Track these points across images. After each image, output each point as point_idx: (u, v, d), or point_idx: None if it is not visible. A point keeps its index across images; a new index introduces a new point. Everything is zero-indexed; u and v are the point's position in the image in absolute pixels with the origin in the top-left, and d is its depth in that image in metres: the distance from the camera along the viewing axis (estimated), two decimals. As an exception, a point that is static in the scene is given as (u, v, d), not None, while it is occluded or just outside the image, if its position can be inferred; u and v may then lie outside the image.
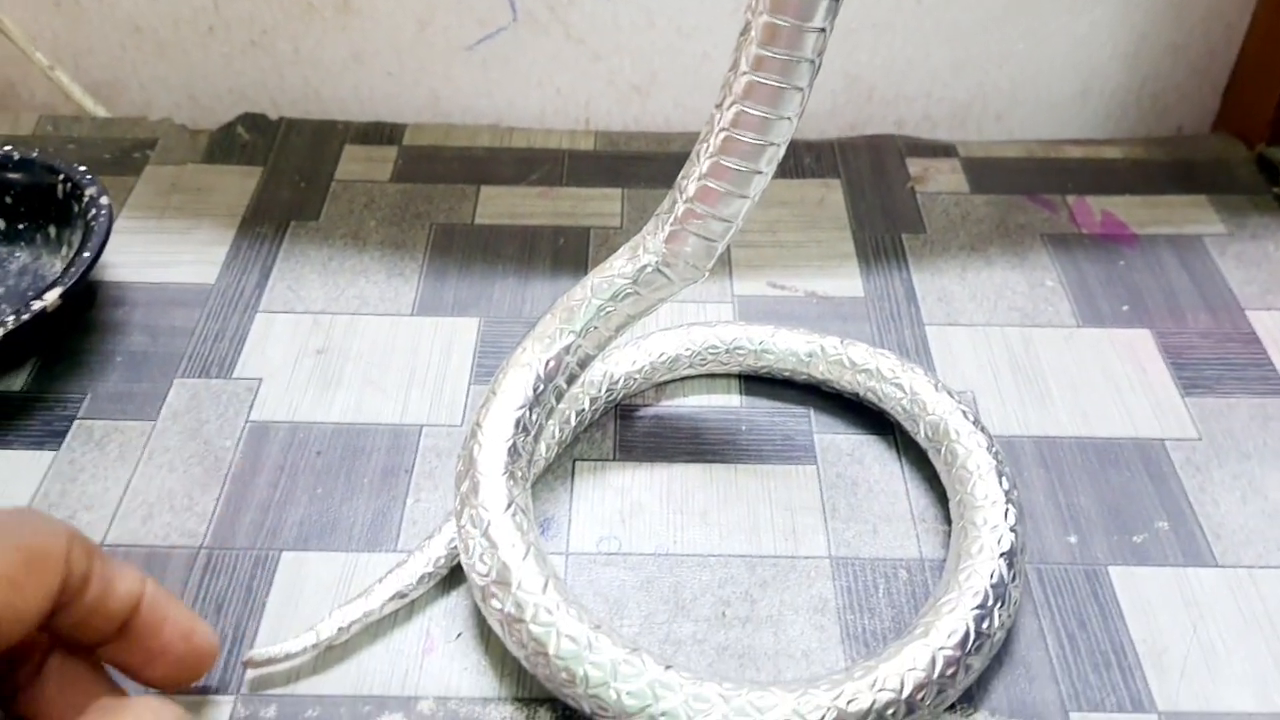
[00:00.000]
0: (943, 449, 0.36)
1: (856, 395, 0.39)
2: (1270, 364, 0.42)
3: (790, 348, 0.40)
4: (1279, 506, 0.37)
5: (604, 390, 0.39)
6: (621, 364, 0.39)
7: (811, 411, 0.41)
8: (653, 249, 0.33)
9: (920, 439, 0.37)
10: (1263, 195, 0.51)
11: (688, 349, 0.40)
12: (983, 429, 0.36)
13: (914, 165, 0.53)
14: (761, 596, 0.34)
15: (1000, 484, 0.34)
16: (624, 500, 0.37)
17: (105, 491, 0.37)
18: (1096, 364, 0.43)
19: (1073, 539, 0.36)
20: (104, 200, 0.43)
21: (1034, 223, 0.50)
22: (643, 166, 0.53)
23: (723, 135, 0.30)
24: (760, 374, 0.41)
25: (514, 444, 0.32)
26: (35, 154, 0.45)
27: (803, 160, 0.53)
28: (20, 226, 0.45)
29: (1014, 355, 0.43)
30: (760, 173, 0.31)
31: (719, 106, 0.30)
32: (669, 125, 0.57)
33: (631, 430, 0.40)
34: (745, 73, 0.29)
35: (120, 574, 0.28)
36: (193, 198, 0.50)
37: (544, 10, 0.53)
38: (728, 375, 0.42)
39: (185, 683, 0.30)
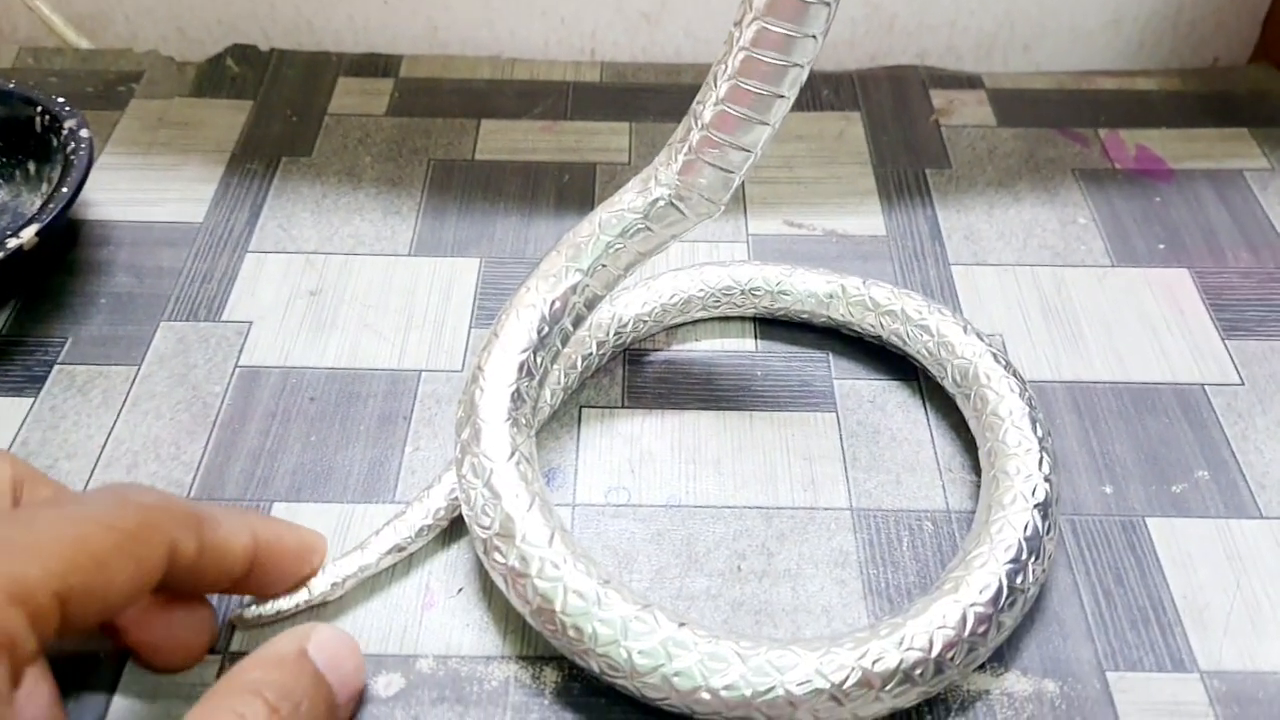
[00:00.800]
0: (972, 394, 0.34)
1: (879, 338, 0.37)
2: (1316, 305, 0.40)
3: (809, 288, 0.38)
4: (1326, 455, 0.35)
5: (612, 334, 0.37)
6: (631, 306, 0.37)
7: (830, 356, 0.38)
8: (665, 181, 0.30)
9: (948, 384, 0.35)
10: (1306, 128, 0.48)
11: (701, 290, 0.38)
12: (1014, 373, 0.34)
13: (938, 98, 0.50)
14: (779, 550, 0.32)
15: (1034, 431, 0.32)
16: (633, 449, 0.35)
17: (88, 439, 0.35)
18: (1131, 305, 0.40)
19: (1108, 489, 0.34)
20: (84, 134, 0.41)
21: (1065, 157, 0.47)
22: (651, 99, 0.50)
23: (742, 55, 0.28)
24: (777, 316, 0.39)
25: (518, 389, 0.30)
26: (11, 85, 0.43)
27: (820, 93, 0.50)
28: (-3, 163, 0.43)
29: (1045, 296, 0.41)
30: (782, 96, 0.28)
31: (738, 24, 0.28)
32: (679, 56, 0.54)
33: (641, 376, 0.38)
34: None
35: (232, 533, 0.27)
36: (180, 133, 0.47)
37: (547, -68, 0.50)
38: (742, 318, 0.39)
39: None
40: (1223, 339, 0.39)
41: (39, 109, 0.42)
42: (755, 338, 0.39)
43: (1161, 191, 0.45)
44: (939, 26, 0.53)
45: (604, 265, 0.31)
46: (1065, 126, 0.49)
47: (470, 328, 0.39)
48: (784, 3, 0.27)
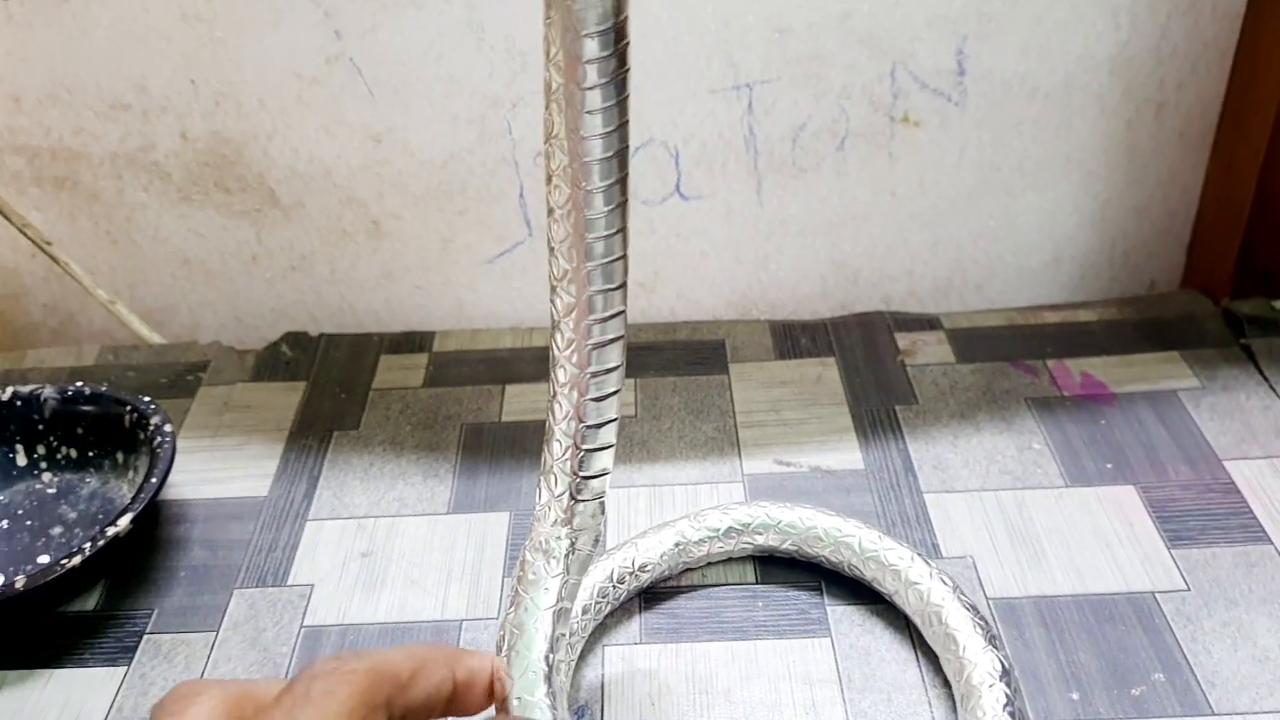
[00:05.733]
0: (904, 591, 0.40)
1: (797, 553, 0.43)
2: (1249, 511, 0.45)
3: (740, 519, 0.43)
4: (1267, 651, 0.40)
5: (565, 652, 0.39)
6: (596, 576, 0.41)
7: (823, 583, 0.43)
8: (561, 535, 0.35)
9: (867, 578, 0.42)
10: (1231, 348, 0.55)
11: (660, 555, 0.43)
12: (930, 562, 0.40)
13: (902, 339, 0.57)
14: (786, 770, 0.37)
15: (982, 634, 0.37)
16: (652, 684, 0.40)
17: (174, 703, 0.40)
18: (1086, 522, 0.46)
19: (1075, 695, 0.39)
20: (168, 428, 0.47)
21: (1018, 388, 0.53)
22: (652, 356, 0.57)
23: (583, 403, 0.33)
24: (724, 558, 0.44)
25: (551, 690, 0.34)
26: (104, 388, 0.50)
27: (799, 341, 0.57)
28: (90, 454, 0.50)
29: (1008, 518, 0.46)
30: (612, 420, 0.33)
31: (562, 386, 0.33)
32: (674, 315, 0.61)
33: (656, 613, 0.43)
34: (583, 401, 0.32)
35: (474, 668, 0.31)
36: (243, 415, 0.54)
37: (554, 223, 0.58)
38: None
39: None
40: (1169, 548, 0.44)
41: (128, 407, 0.49)
42: (755, 570, 0.44)
43: (1106, 414, 0.51)
44: (899, 276, 0.61)
45: (563, 631, 0.35)
46: (1017, 359, 0.55)
47: (503, 576, 0.45)
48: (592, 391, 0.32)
